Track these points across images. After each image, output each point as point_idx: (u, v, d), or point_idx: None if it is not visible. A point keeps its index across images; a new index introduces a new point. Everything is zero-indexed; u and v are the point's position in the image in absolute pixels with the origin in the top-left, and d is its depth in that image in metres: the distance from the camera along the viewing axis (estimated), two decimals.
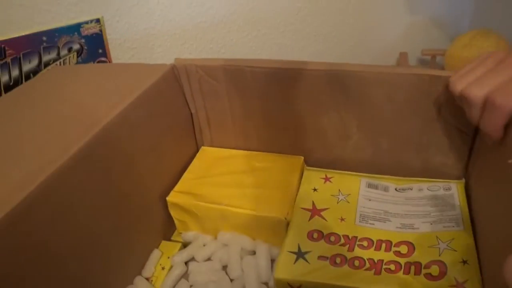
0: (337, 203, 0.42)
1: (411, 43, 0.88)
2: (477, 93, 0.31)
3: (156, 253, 0.43)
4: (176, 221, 0.45)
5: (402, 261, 0.35)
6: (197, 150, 0.50)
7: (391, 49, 0.87)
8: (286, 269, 0.35)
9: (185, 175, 0.47)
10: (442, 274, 0.33)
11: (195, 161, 0.49)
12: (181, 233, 0.46)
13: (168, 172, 0.46)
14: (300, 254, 0.37)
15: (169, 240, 0.46)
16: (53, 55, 0.58)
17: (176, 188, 0.45)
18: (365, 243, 0.37)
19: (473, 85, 0.31)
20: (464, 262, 0.34)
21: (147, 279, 0.41)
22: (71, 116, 0.37)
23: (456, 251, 0.35)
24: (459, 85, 0.33)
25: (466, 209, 0.39)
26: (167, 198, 0.44)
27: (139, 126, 0.40)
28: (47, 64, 0.58)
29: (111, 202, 0.37)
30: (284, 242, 0.38)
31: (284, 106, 0.44)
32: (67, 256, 0.32)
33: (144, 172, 0.41)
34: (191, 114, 0.48)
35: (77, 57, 0.62)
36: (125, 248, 0.40)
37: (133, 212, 0.40)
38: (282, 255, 0.37)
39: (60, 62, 0.59)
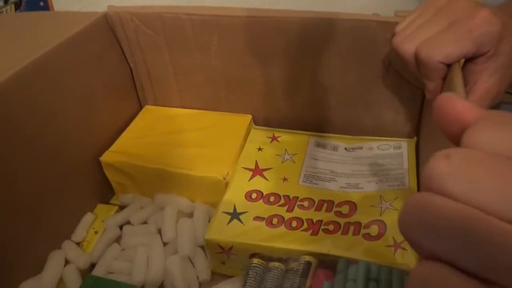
0: (282, 162, 0.40)
1: (384, 5, 0.84)
2: (407, 48, 0.29)
3: (88, 217, 0.40)
4: (113, 184, 0.43)
5: (342, 221, 0.33)
6: (140, 109, 0.47)
7: (362, 10, 0.84)
8: (218, 230, 0.33)
9: (124, 134, 0.43)
10: (381, 234, 0.32)
11: (136, 120, 0.45)
12: (118, 196, 0.43)
13: (104, 130, 0.42)
14: (235, 215, 0.34)
15: (107, 203, 0.43)
16: None
17: (112, 147, 0.42)
18: (305, 203, 0.35)
19: (405, 39, 0.29)
20: None
21: (77, 243, 0.38)
22: None
23: (397, 210, 0.33)
24: (396, 39, 0.30)
25: (414, 168, 0.37)
26: (101, 158, 0.40)
27: (64, 75, 0.36)
28: None
29: (32, 158, 0.33)
30: (220, 203, 0.36)
31: (229, 60, 0.41)
32: None
33: (72, 128, 0.38)
34: (131, 69, 0.45)
35: (16, 9, 0.57)
36: (53, 211, 0.37)
37: (62, 172, 0.37)
38: (216, 215, 0.34)
39: None
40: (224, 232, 0.33)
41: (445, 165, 0.10)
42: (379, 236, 0.31)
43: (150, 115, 0.46)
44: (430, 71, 0.28)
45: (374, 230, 0.32)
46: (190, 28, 0.39)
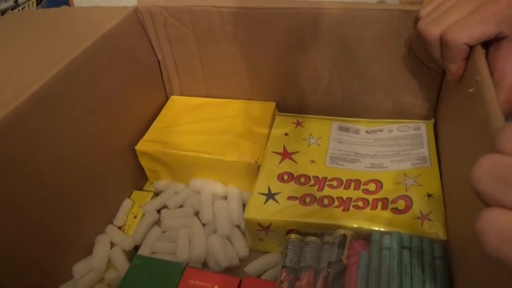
0: (308, 146, 0.42)
1: None
2: (434, 31, 0.30)
3: (127, 202, 0.42)
4: (147, 171, 0.45)
5: (370, 198, 0.36)
6: (167, 99, 0.49)
7: None
8: (256, 210, 0.36)
9: (154, 124, 0.46)
10: (408, 207, 0.34)
11: (164, 110, 0.47)
12: (152, 182, 0.45)
13: (136, 121, 0.45)
14: (270, 195, 0.37)
15: (141, 190, 0.46)
16: (10, 2, 0.55)
17: (145, 137, 0.44)
18: (334, 183, 0.38)
19: (431, 23, 0.31)
20: (429, 196, 0.35)
21: (119, 227, 0.41)
22: (25, 61, 0.35)
23: (422, 186, 0.36)
24: (422, 24, 0.32)
25: (434, 147, 0.40)
26: (136, 147, 0.43)
27: (101, 71, 0.38)
28: (4, 12, 0.54)
29: (76, 151, 0.36)
30: (255, 185, 0.38)
31: (255, 50, 0.43)
32: (34, 207, 0.32)
33: (109, 120, 0.40)
34: (158, 61, 0.47)
35: (37, 5, 0.59)
36: (94, 198, 0.39)
37: (101, 162, 0.40)
38: (253, 196, 0.37)
39: (18, 10, 0.56)
40: (262, 211, 0.35)
41: None
42: (406, 209, 0.34)
43: (177, 105, 0.48)
44: (454, 53, 0.30)
45: (401, 204, 0.35)
46: (218, 20, 0.41)
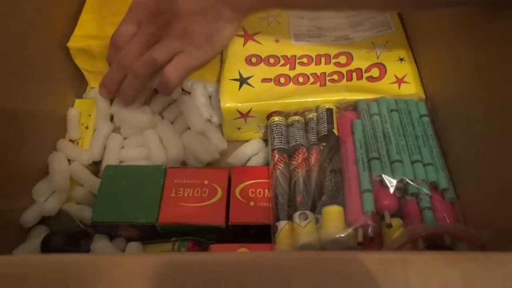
0: (268, 25, 0.39)
1: None
2: None
3: (73, 112, 0.36)
4: (85, 73, 0.38)
5: (343, 70, 0.35)
6: None
7: None
8: (232, 97, 0.33)
9: (82, 17, 0.38)
10: (383, 74, 0.34)
11: (88, 1, 0.39)
12: (93, 87, 0.39)
13: (62, 14, 0.36)
14: (243, 80, 0.34)
15: (81, 98, 0.39)
16: None
17: (76, 32, 0.36)
18: (305, 60, 0.36)
19: None
20: (401, 59, 0.35)
21: (72, 141, 0.36)
22: None
23: (391, 51, 0.36)
24: None
25: (396, 13, 0.39)
26: (68, 44, 0.35)
27: None
28: None
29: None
30: (223, 71, 0.35)
31: None
32: None
33: (33, 14, 0.32)
34: None
35: None
36: (34, 111, 0.33)
37: (31, 65, 0.32)
38: (224, 83, 0.34)
39: None
40: (238, 97, 0.33)
41: None
42: (381, 76, 0.34)
43: None
44: None
45: (375, 72, 0.34)
46: None
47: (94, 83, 0.39)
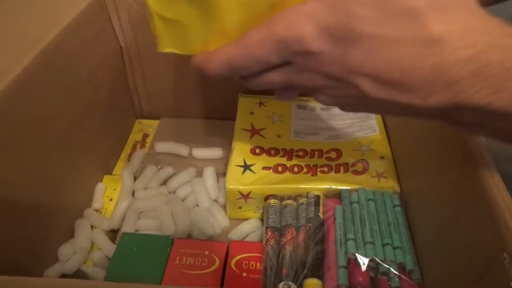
0: (273, 123, 0.46)
1: None
2: None
3: (101, 186, 0.43)
4: (158, 24, 0.27)
5: (333, 164, 0.41)
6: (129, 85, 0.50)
7: None
8: (236, 180, 0.39)
9: None
10: (366, 169, 0.40)
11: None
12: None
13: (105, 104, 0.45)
14: (246, 167, 0.40)
15: (111, 174, 0.46)
16: None
17: None
18: (301, 153, 0.42)
19: None
20: (382, 158, 0.41)
21: (96, 211, 0.41)
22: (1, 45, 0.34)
23: (374, 150, 0.42)
24: None
25: (380, 118, 0.46)
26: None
27: (73, 55, 0.38)
28: None
29: (55, 134, 0.36)
30: (231, 159, 0.41)
31: None
32: (22, 189, 0.32)
33: (84, 102, 0.40)
34: (121, 47, 0.47)
35: None
36: (72, 182, 0.39)
37: (77, 144, 0.40)
38: (231, 169, 0.40)
39: None
40: (241, 181, 0.39)
41: None
42: (364, 171, 0.40)
43: None
44: None
45: (359, 167, 0.40)
46: None
47: (165, 43, 0.28)
